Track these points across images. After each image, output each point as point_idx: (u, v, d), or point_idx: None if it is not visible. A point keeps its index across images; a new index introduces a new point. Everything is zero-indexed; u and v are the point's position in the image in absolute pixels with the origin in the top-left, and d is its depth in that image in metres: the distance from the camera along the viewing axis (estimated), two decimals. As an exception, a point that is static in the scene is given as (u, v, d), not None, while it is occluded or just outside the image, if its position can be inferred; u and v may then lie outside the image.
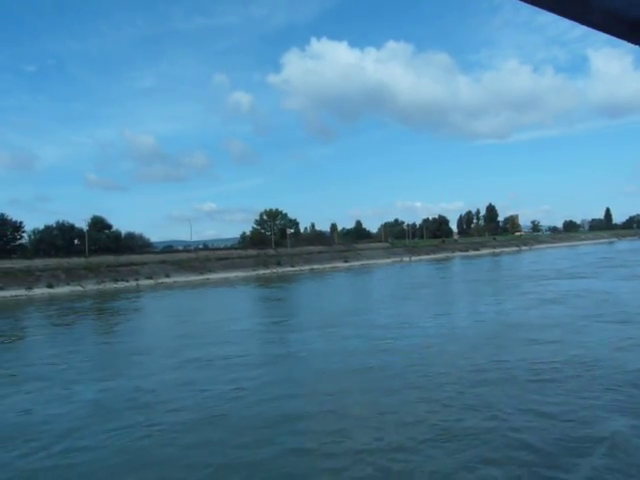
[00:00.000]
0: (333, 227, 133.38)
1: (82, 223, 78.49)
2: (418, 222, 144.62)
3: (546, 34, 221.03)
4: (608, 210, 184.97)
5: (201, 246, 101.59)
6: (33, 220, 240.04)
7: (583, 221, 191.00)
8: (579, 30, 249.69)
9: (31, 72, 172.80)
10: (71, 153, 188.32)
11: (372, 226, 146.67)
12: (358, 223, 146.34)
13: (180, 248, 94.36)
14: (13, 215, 70.92)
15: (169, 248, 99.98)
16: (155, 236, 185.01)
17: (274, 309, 35.56)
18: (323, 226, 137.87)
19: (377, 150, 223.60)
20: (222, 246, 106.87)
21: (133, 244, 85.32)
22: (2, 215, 71.70)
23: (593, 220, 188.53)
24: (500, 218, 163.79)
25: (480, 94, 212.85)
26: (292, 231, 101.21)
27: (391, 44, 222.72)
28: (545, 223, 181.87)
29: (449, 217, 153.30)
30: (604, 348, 15.92)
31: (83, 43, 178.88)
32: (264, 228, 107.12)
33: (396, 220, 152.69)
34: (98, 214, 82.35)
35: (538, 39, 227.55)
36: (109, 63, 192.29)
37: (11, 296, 55.36)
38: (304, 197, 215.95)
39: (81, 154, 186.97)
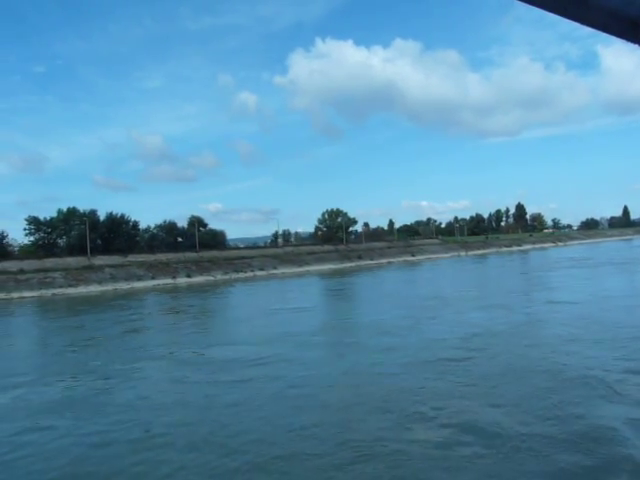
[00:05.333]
0: (366, 225, 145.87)
1: (184, 222, 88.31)
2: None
3: (558, 30, 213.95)
4: (626, 208, 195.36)
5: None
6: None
7: (602, 218, 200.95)
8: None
9: (39, 73, 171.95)
10: (79, 154, 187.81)
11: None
12: (391, 222, 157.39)
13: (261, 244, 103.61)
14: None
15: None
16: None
17: (480, 286, 41.69)
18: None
19: (385, 149, 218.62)
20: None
21: (224, 240, 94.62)
22: (122, 215, 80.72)
23: (612, 218, 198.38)
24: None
25: (490, 92, 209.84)
26: (360, 229, 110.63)
27: (398, 42, 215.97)
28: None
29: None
30: None
31: (91, 43, 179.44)
32: (327, 226, 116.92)
33: (428, 219, 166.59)
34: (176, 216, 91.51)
35: (550, 35, 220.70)
36: (117, 63, 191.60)
37: (163, 284, 64.56)
38: (310, 197, 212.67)
39: (89, 155, 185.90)
